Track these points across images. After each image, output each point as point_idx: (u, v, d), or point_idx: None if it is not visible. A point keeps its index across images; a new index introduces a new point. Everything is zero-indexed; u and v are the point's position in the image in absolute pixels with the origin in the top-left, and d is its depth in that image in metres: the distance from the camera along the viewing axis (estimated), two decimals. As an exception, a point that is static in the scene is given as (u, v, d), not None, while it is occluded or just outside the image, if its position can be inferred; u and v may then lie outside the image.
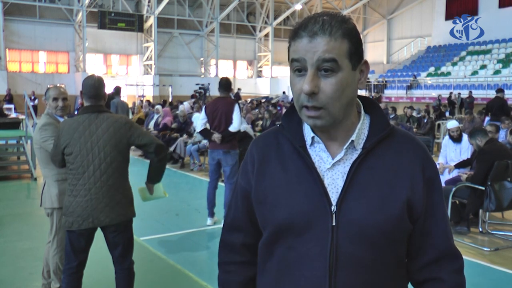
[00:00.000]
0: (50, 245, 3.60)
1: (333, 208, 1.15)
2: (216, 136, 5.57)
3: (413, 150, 1.22)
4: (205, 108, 5.86)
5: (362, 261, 1.15)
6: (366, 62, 1.20)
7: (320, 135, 1.21)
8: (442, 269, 1.22)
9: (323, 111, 1.12)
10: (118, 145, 2.99)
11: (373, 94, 25.02)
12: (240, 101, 22.11)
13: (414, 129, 12.25)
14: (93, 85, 3.06)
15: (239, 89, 28.91)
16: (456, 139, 6.70)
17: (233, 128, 5.59)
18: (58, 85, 3.80)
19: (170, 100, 24.09)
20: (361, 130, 1.21)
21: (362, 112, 1.24)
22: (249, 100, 25.44)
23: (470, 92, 19.90)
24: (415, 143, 1.24)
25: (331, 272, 1.14)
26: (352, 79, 1.15)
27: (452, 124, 6.91)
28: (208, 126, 5.72)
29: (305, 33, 1.12)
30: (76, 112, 14.34)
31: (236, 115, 5.59)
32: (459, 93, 20.57)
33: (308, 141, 1.22)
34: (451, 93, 21.24)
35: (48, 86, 3.73)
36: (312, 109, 1.12)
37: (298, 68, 1.14)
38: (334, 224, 1.14)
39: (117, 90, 10.49)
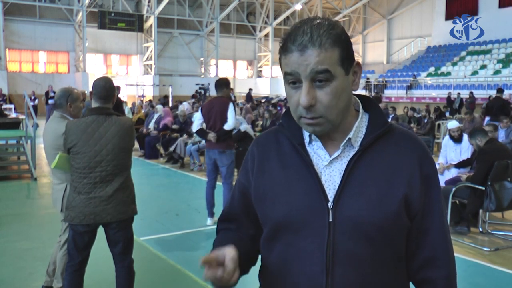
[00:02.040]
0: (61, 245, 3.60)
1: (330, 204, 1.16)
2: (212, 135, 5.62)
3: (411, 147, 1.23)
4: (201, 108, 5.94)
5: (359, 257, 1.16)
6: (358, 63, 1.21)
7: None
8: (436, 272, 1.23)
9: (322, 119, 1.15)
10: (124, 148, 3.08)
11: (373, 94, 25.01)
12: (250, 102, 22.02)
13: (414, 129, 12.25)
14: (104, 87, 3.10)
15: (250, 89, 28.88)
16: (457, 139, 6.70)
17: (227, 126, 5.62)
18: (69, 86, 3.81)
19: (170, 99, 24.05)
20: (359, 128, 1.23)
21: (361, 110, 1.25)
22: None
23: (471, 92, 19.90)
24: (413, 140, 1.25)
25: (328, 268, 1.15)
26: (346, 84, 1.16)
27: (452, 124, 6.92)
28: (204, 126, 5.77)
29: (294, 46, 1.12)
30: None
31: (230, 114, 5.61)
32: (459, 93, 20.58)
33: (307, 139, 1.24)
34: (449, 93, 21.27)
35: (71, 87, 3.73)
36: (311, 118, 1.15)
37: (292, 80, 1.15)
38: (330, 220, 1.16)
39: (117, 90, 10.51)
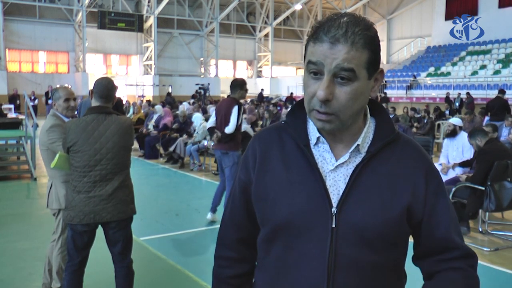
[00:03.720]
0: (54, 244, 3.60)
1: (334, 210, 1.15)
2: (214, 136, 5.71)
3: (416, 157, 1.22)
4: (216, 107, 6.06)
5: (361, 263, 1.15)
6: (382, 71, 1.19)
7: (326, 136, 1.21)
8: (454, 262, 1.22)
9: (334, 117, 1.13)
10: (124, 147, 3.10)
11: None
12: (262, 102, 21.85)
13: (414, 129, 12.22)
14: (106, 86, 3.13)
15: (262, 89, 28.61)
16: (449, 135, 6.76)
17: (227, 129, 5.61)
18: (66, 85, 3.81)
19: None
20: (367, 133, 1.21)
21: (368, 115, 1.24)
22: (249, 100, 25.42)
23: (468, 93, 19.94)
24: (418, 150, 1.25)
25: (330, 273, 1.14)
26: (366, 88, 1.15)
27: (452, 120, 7.02)
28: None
29: (327, 37, 1.09)
30: (76, 113, 14.32)
31: (232, 117, 5.59)
32: (459, 93, 20.58)
33: (313, 141, 1.22)
34: (448, 93, 21.31)
35: (58, 86, 3.73)
36: (324, 114, 1.12)
37: (314, 71, 1.12)
38: (334, 226, 1.15)
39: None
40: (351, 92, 1.11)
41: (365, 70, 1.12)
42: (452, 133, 6.73)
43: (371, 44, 1.12)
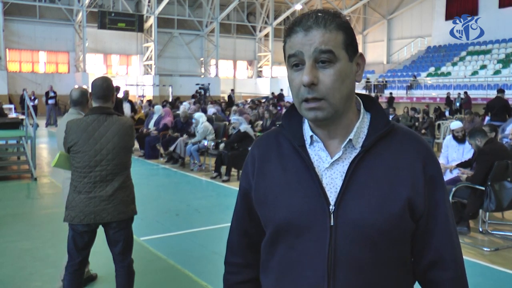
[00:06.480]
0: None
1: (331, 207, 1.14)
2: None
3: (414, 148, 1.20)
4: None
5: (362, 260, 1.14)
6: (361, 54, 1.20)
7: (319, 133, 1.21)
8: (441, 274, 1.21)
9: (324, 102, 1.12)
10: (125, 147, 3.10)
11: (372, 94, 24.99)
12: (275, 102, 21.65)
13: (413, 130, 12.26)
14: (101, 86, 3.14)
15: (281, 89, 28.52)
16: (460, 140, 6.68)
17: None
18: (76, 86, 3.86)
19: (170, 100, 24.06)
20: (360, 128, 1.20)
21: (362, 109, 1.23)
22: (249, 100, 25.42)
23: (465, 92, 19.96)
24: (417, 141, 1.22)
25: (330, 272, 1.13)
26: (349, 70, 1.16)
27: (455, 124, 6.90)
28: None
29: (299, 28, 1.13)
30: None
31: None
32: (459, 93, 20.60)
33: (308, 141, 1.22)
34: (448, 93, 21.33)
35: (84, 87, 3.75)
36: (313, 101, 1.13)
37: (295, 63, 1.14)
38: (332, 223, 1.14)
39: (117, 90, 10.53)
40: (335, 74, 1.12)
41: (343, 51, 1.14)
42: (463, 137, 6.65)
43: (343, 27, 1.15)
